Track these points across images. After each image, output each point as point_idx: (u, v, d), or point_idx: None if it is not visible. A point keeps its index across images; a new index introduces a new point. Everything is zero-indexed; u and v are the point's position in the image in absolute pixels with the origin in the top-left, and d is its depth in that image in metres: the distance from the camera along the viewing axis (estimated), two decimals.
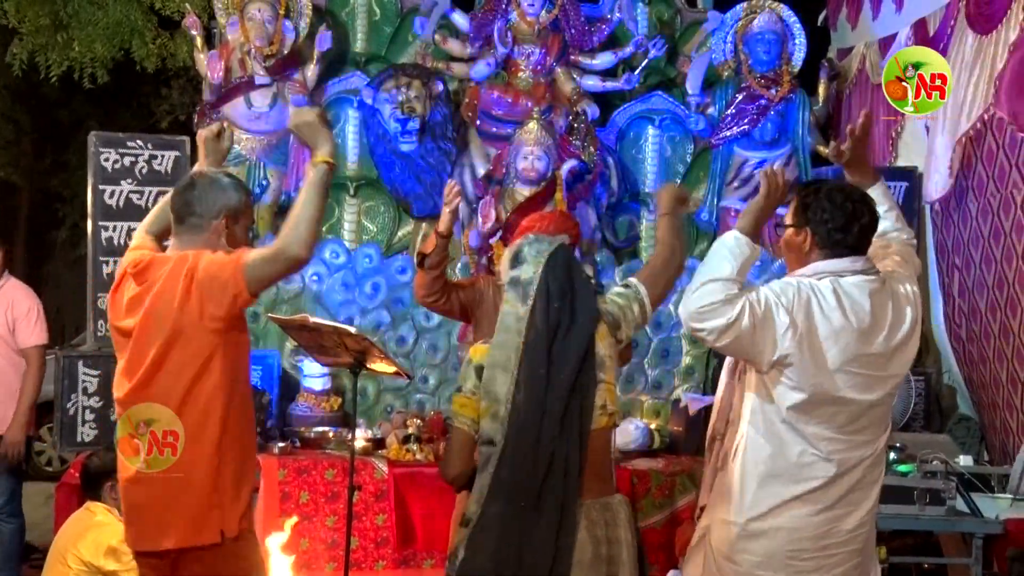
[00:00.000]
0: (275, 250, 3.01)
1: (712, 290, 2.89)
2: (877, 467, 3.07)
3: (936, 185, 6.30)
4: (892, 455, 5.09)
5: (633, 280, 3.23)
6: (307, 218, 3.00)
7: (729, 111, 6.88)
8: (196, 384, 3.02)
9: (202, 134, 3.48)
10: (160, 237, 3.37)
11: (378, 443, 5.62)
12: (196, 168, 3.47)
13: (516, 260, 3.05)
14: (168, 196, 3.32)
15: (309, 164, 3.14)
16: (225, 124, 3.65)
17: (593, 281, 3.21)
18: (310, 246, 3.00)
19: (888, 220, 3.26)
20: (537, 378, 2.92)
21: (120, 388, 3.13)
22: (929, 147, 6.48)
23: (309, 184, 3.07)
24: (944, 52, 6.12)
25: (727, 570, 3.04)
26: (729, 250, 2.97)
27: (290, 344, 6.06)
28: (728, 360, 3.22)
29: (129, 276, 3.17)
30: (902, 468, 4.93)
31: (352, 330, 4.46)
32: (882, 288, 3.00)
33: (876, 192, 3.24)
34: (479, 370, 3.01)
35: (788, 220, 3.12)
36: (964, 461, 5.25)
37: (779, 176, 3.09)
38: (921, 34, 6.51)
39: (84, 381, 5.94)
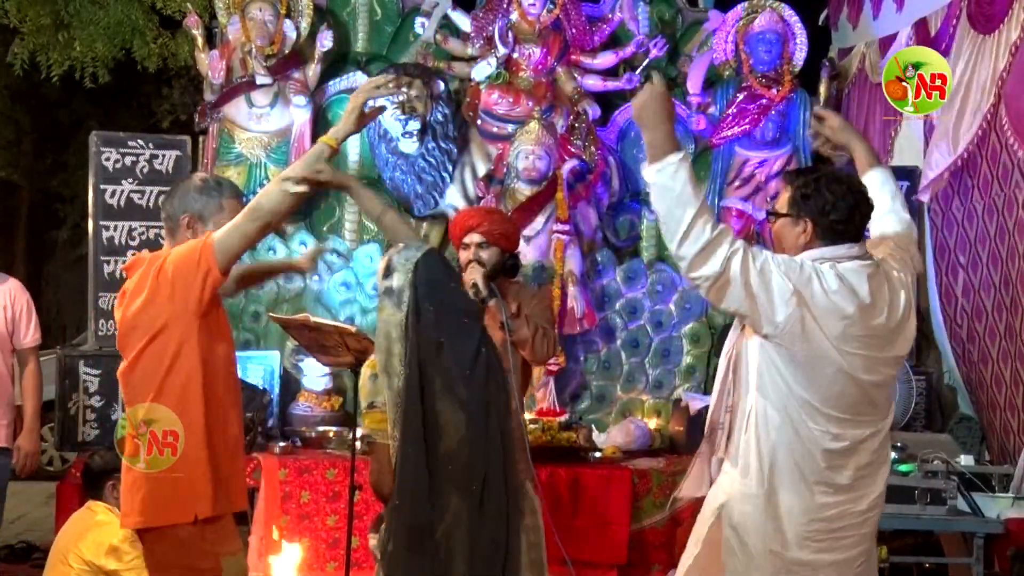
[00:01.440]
0: (247, 208, 3.09)
1: (691, 235, 2.85)
2: (883, 450, 3.11)
3: (932, 183, 6.30)
4: (893, 455, 5.08)
5: None
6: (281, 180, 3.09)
7: (730, 111, 6.88)
8: (171, 371, 3.07)
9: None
10: None
11: None
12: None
13: (387, 270, 3.12)
14: None
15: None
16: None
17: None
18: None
19: (895, 212, 3.32)
20: (427, 379, 3.00)
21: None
22: (930, 147, 6.47)
23: (304, 155, 3.18)
24: (946, 52, 6.12)
25: (746, 546, 3.06)
26: (675, 176, 2.87)
27: (291, 344, 6.06)
28: (725, 348, 3.23)
29: (127, 274, 3.30)
30: (903, 468, 4.92)
31: (353, 329, 4.47)
32: (877, 272, 3.04)
33: (878, 175, 3.31)
34: None
35: (783, 210, 3.11)
36: (965, 461, 5.25)
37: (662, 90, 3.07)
38: (922, 34, 6.51)
39: (85, 381, 5.94)
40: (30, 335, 5.17)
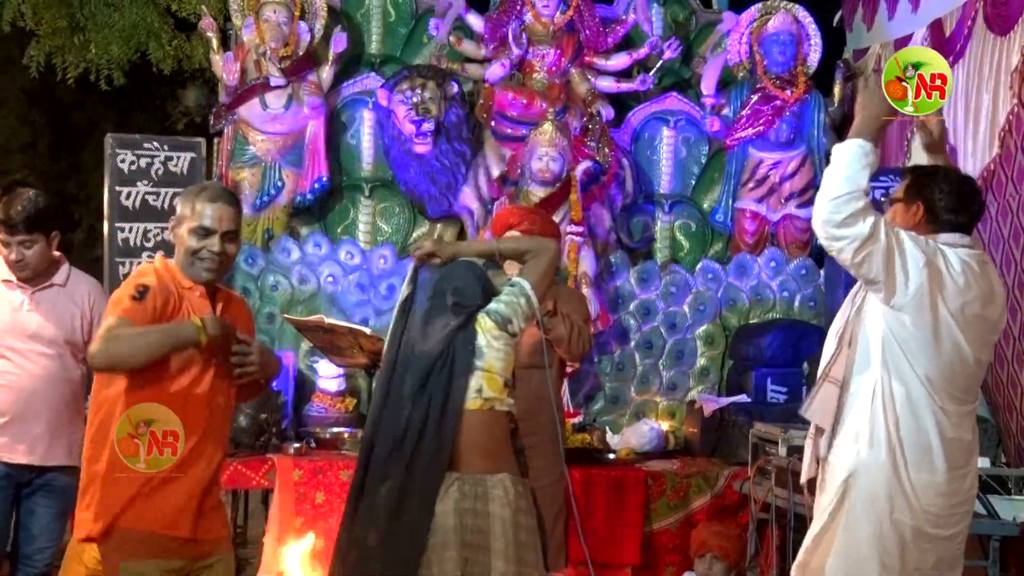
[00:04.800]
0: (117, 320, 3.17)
1: (850, 200, 3.08)
2: (975, 431, 3.33)
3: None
4: None
5: (516, 278, 3.55)
6: None
7: (744, 112, 6.87)
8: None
9: None
10: None
11: None
12: None
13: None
14: None
15: None
16: None
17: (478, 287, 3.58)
18: None
19: None
20: (391, 353, 3.50)
21: None
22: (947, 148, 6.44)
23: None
24: (961, 52, 6.09)
25: (874, 514, 3.19)
26: (858, 160, 3.12)
27: (305, 345, 6.08)
28: (835, 327, 3.40)
29: None
30: None
31: (367, 331, 4.49)
32: (985, 262, 3.29)
33: None
34: None
35: (899, 196, 3.37)
36: (981, 463, 5.21)
37: (878, 85, 3.26)
38: (937, 34, 6.48)
39: None
40: None
